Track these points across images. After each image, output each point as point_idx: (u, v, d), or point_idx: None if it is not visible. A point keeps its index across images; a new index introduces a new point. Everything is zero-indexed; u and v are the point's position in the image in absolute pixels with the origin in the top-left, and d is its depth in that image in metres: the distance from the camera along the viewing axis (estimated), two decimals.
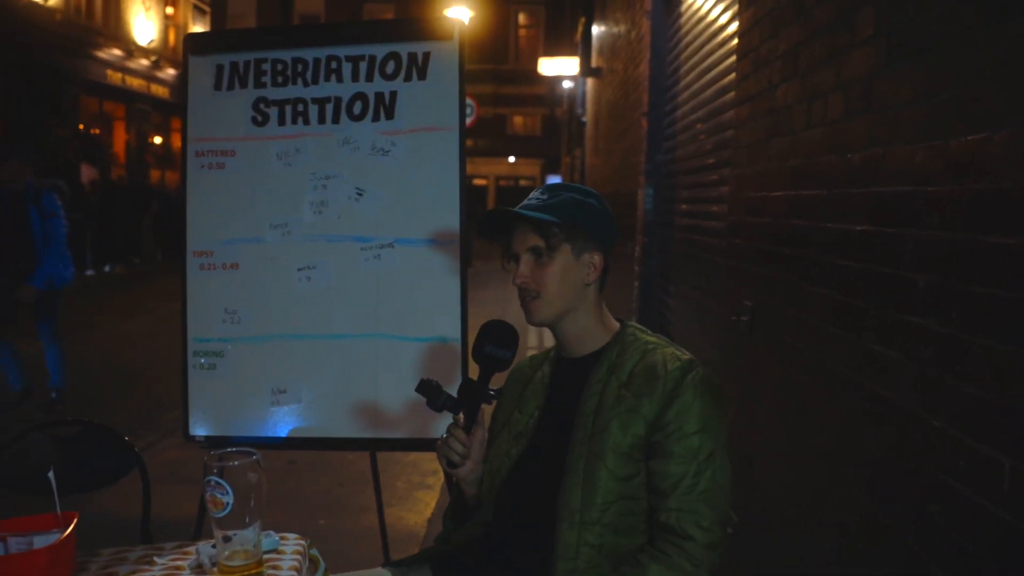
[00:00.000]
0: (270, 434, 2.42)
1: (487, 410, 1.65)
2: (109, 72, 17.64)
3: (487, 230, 1.66)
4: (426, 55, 2.41)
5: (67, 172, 14.29)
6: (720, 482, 1.49)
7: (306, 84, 2.45)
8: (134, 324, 9.45)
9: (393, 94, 2.41)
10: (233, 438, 2.42)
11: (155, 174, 19.79)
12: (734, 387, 3.09)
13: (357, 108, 2.42)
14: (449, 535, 1.76)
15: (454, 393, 1.60)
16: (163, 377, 6.29)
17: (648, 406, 1.50)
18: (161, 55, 19.82)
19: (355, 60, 2.44)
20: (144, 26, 19.07)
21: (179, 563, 1.47)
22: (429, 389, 1.58)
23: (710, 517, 1.46)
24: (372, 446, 2.48)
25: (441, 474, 4.36)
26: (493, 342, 1.61)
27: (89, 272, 13.20)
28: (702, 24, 4.48)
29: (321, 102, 2.44)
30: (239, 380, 2.41)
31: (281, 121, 2.45)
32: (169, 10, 20.70)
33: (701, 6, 4.50)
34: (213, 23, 24.02)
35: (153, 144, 20.22)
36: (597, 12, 10.98)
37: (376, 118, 2.41)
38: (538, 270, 1.57)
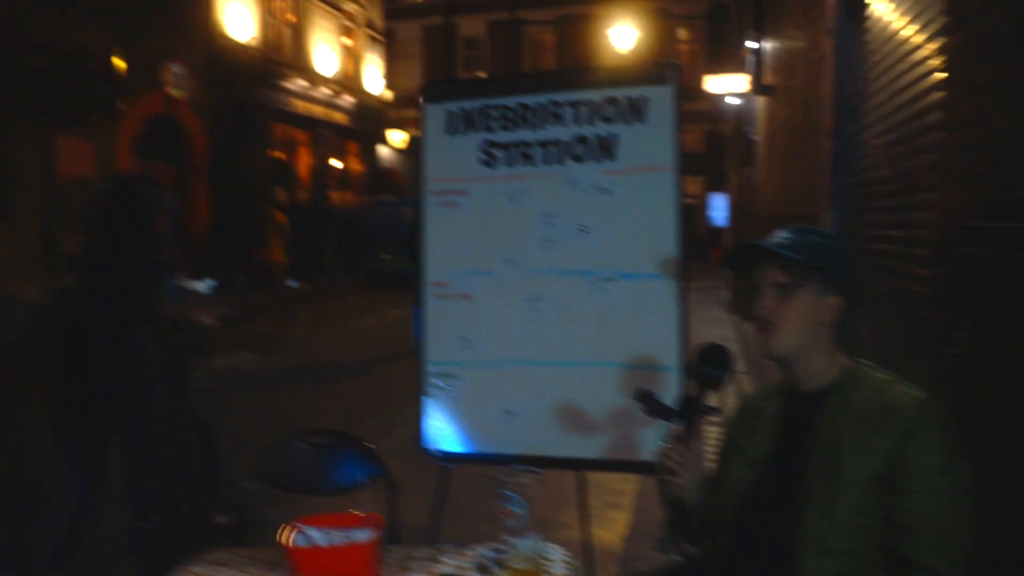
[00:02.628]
0: (497, 451, 2.64)
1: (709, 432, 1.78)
2: (296, 101, 19.09)
3: (733, 262, 1.79)
4: (643, 99, 2.57)
5: (265, 195, 15.61)
6: (963, 519, 1.53)
7: (531, 128, 2.67)
8: (327, 336, 10.11)
9: (613, 136, 2.58)
10: (466, 454, 2.66)
11: (335, 196, 21.15)
12: None
13: (579, 150, 2.61)
14: (670, 542, 1.89)
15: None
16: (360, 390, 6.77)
17: (884, 442, 1.56)
18: (341, 84, 21.21)
19: (576, 105, 2.62)
20: (326, 57, 20.49)
21: (463, 564, 1.68)
22: (644, 395, 1.76)
23: (953, 551, 1.51)
24: (588, 466, 2.64)
25: (631, 494, 4.48)
26: (708, 362, 1.74)
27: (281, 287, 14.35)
28: (893, 43, 4.37)
29: (545, 144, 2.64)
30: (471, 401, 2.65)
31: (508, 163, 2.68)
32: (348, 41, 22.12)
33: (892, 25, 4.39)
34: (387, 53, 25.41)
35: (333, 168, 21.64)
36: (768, 28, 10.78)
37: (597, 159, 2.58)
38: (779, 305, 1.68)
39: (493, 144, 2.71)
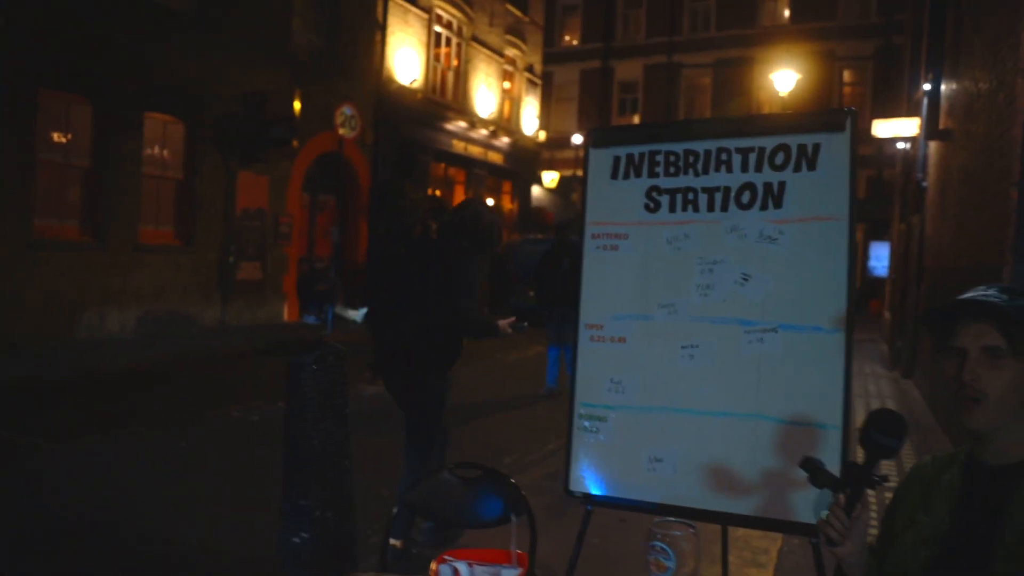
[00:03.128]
0: (642, 499, 2.58)
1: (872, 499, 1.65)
2: (455, 141, 19.83)
3: (936, 317, 1.62)
4: (816, 146, 2.48)
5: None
6: None
7: (696, 174, 2.63)
8: (472, 368, 10.31)
9: (781, 184, 2.50)
10: (610, 498, 2.62)
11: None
12: None
13: (745, 197, 2.54)
14: None
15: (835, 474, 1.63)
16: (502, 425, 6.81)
17: None
18: (498, 125, 21.85)
19: (744, 152, 2.57)
20: (485, 100, 21.20)
21: None
22: (812, 465, 1.64)
23: None
24: (735, 521, 2.53)
25: (773, 552, 4.27)
26: (882, 430, 1.60)
27: None
28: None
29: (710, 191, 2.60)
30: (619, 445, 2.61)
31: (672, 208, 2.65)
32: (506, 84, 22.80)
33: None
34: (543, 95, 25.96)
35: None
36: (947, 69, 10.18)
37: (764, 207, 2.51)
38: (988, 371, 1.52)
39: (657, 189, 2.69)
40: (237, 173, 13.17)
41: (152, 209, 12.06)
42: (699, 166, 2.62)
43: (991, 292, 1.57)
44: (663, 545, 1.48)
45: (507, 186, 23.78)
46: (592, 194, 2.81)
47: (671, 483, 2.55)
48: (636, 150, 2.73)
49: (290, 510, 3.00)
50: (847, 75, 28.31)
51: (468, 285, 3.95)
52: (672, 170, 2.67)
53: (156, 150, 12.12)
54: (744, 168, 2.56)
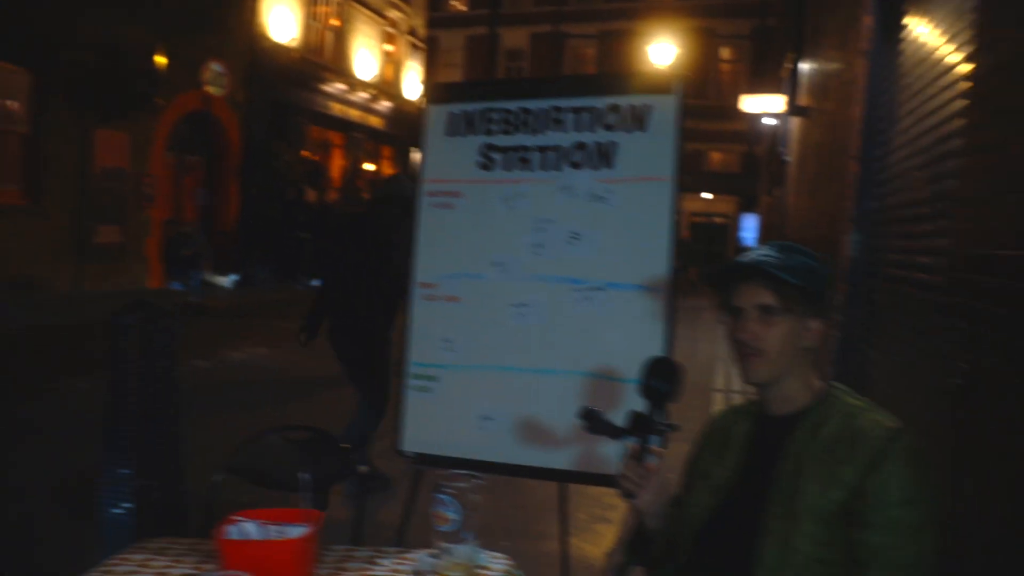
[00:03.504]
0: (472, 457, 2.59)
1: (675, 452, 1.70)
2: (333, 104, 19.28)
3: (716, 279, 1.69)
4: (647, 107, 2.52)
5: (295, 194, 15.77)
6: (924, 557, 1.45)
7: (531, 133, 2.63)
8: None
9: (613, 144, 2.53)
10: (439, 457, 2.61)
11: (366, 198, 21.31)
12: (941, 453, 2.91)
13: (578, 156, 2.56)
14: (626, 566, 1.82)
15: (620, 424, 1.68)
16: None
17: (849, 473, 1.48)
18: (379, 88, 21.39)
19: (578, 111, 2.58)
20: (365, 62, 20.69)
21: (400, 567, 1.64)
22: (589, 414, 1.69)
23: None
24: (564, 477, 2.58)
25: (621, 508, 4.40)
26: (656, 376, 1.65)
27: (300, 287, 14.49)
28: (924, 66, 4.27)
29: (544, 150, 2.60)
30: (449, 404, 2.61)
31: (506, 167, 2.64)
32: (388, 47, 22.32)
33: (925, 47, 4.30)
34: (428, 60, 25.59)
35: (365, 171, 21.80)
36: (807, 49, 10.66)
37: (595, 166, 2.54)
38: (763, 328, 1.58)
39: (492, 147, 2.67)
40: (94, 130, 12.34)
41: None
42: (533, 124, 2.62)
43: (767, 252, 1.63)
44: (446, 497, 1.47)
45: (387, 151, 23.36)
46: (429, 151, 2.77)
47: (500, 441, 2.57)
48: (472, 107, 2.71)
49: (109, 479, 2.84)
50: (725, 52, 29.26)
51: (407, 245, 4.42)
52: (507, 128, 2.65)
53: None
54: (578, 127, 2.58)
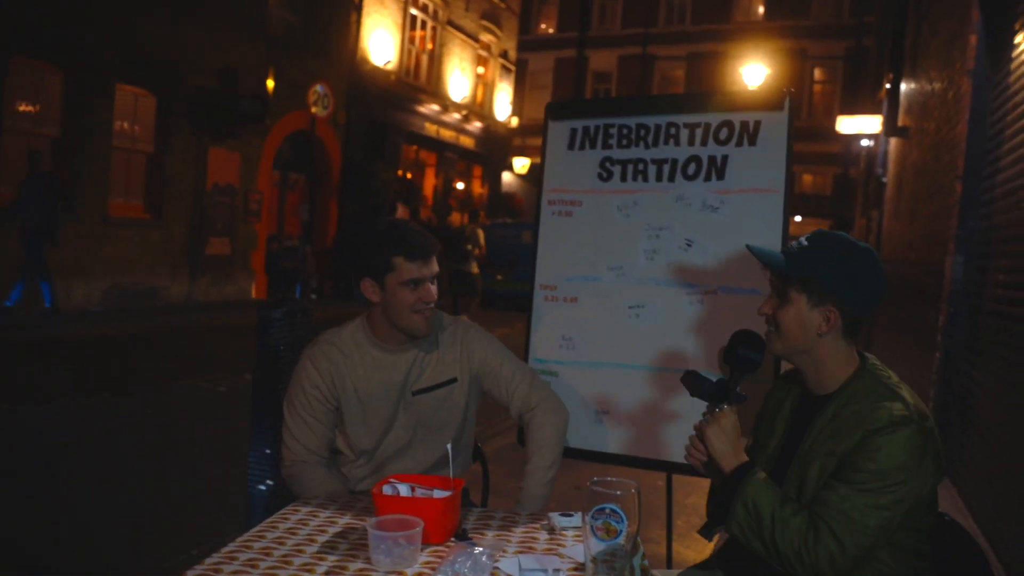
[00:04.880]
0: (589, 448, 2.77)
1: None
2: (427, 124, 19.89)
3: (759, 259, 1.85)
4: (757, 123, 2.67)
5: (388, 211, 16.31)
6: (867, 519, 1.55)
7: (647, 147, 2.81)
8: None
9: (725, 157, 2.69)
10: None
11: (456, 217, 21.81)
12: None
13: (691, 169, 2.73)
14: (715, 525, 1.97)
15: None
16: None
17: (843, 445, 1.62)
18: (470, 110, 21.93)
19: (692, 127, 2.75)
20: (458, 84, 21.26)
21: (535, 527, 1.84)
22: (693, 377, 1.82)
23: (858, 534, 1.55)
24: (674, 469, 2.72)
25: None
26: (745, 346, 1.81)
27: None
28: None
29: (659, 163, 2.78)
30: (569, 398, 2.78)
31: (623, 178, 2.83)
32: (480, 69, 22.87)
33: None
34: (516, 80, 26.07)
35: (456, 189, 22.34)
36: (907, 69, 10.50)
37: (708, 178, 2.70)
38: (775, 308, 1.76)
39: (610, 160, 2.86)
40: (208, 148, 13.15)
41: (122, 182, 12.01)
42: (649, 139, 2.80)
43: (801, 240, 1.80)
44: (614, 507, 1.37)
45: (478, 170, 23.88)
46: (550, 163, 2.98)
47: (617, 434, 2.74)
48: (592, 123, 2.91)
49: (256, 459, 3.14)
50: (818, 73, 28.78)
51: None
52: (624, 142, 2.84)
53: (127, 123, 12.07)
54: (691, 142, 2.74)
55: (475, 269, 12.69)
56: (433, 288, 2.22)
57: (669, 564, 3.07)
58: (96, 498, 4.42)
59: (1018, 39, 4.80)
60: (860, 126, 13.57)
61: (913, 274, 7.49)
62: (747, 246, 1.85)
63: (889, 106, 10.89)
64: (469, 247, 12.48)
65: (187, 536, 3.92)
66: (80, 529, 4.00)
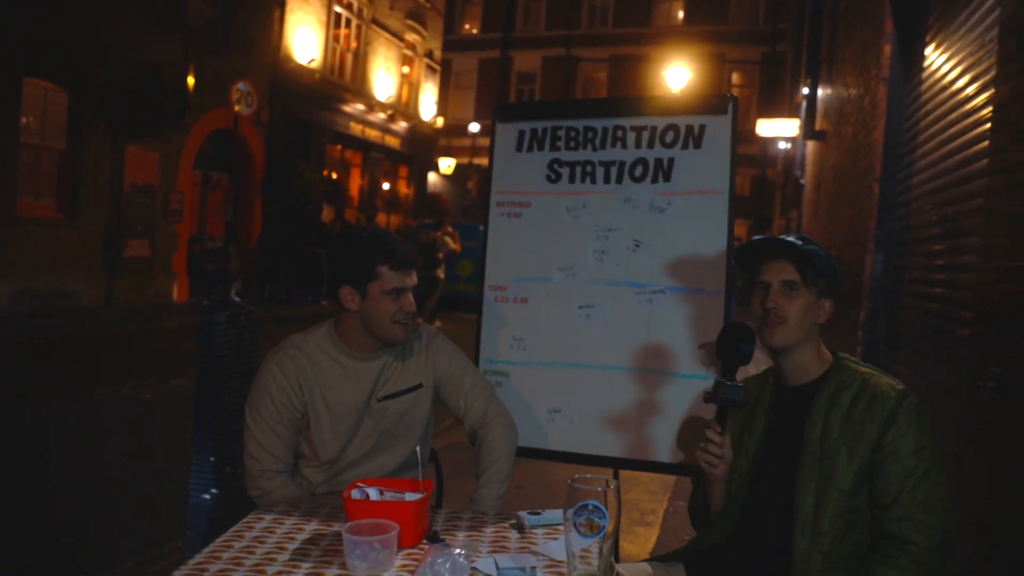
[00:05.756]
0: (541, 446, 2.80)
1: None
2: (352, 124, 19.64)
3: (746, 258, 1.95)
4: (702, 127, 2.74)
5: (313, 211, 16.05)
6: (937, 494, 1.71)
7: (594, 149, 2.85)
8: None
9: (671, 160, 2.75)
10: None
11: (382, 217, 21.59)
12: (976, 456, 3.10)
13: (638, 171, 2.78)
14: (699, 538, 2.04)
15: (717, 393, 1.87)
16: None
17: (870, 429, 1.75)
18: (396, 109, 21.76)
19: (638, 129, 2.80)
20: (384, 83, 21.07)
21: (504, 526, 1.86)
22: (725, 389, 1.84)
23: (929, 523, 1.68)
24: (625, 465, 2.76)
25: (660, 512, 4.59)
26: (744, 339, 1.89)
27: (324, 302, 14.70)
28: (946, 93, 4.50)
29: (607, 165, 2.82)
30: (519, 398, 2.81)
31: (571, 179, 2.86)
32: (406, 69, 22.72)
33: (945, 75, 4.53)
34: (441, 80, 25.99)
35: (382, 189, 22.13)
36: (823, 74, 10.92)
37: (655, 180, 2.76)
38: (786, 299, 1.85)
39: (558, 162, 2.90)
40: (125, 147, 12.67)
41: (31, 180, 11.45)
42: (597, 141, 2.84)
43: (790, 238, 1.91)
44: (597, 504, 1.37)
45: (404, 171, 23.72)
46: (498, 165, 2.99)
47: (568, 432, 2.77)
48: (540, 125, 2.93)
49: (199, 467, 3.05)
50: (735, 77, 29.64)
51: None
52: (572, 144, 2.88)
53: (36, 118, 11.52)
54: (638, 144, 2.80)
55: (441, 274, 13.27)
56: (411, 298, 2.21)
57: (616, 559, 3.13)
58: (19, 515, 4.21)
59: (928, 50, 5.06)
60: (778, 129, 14.05)
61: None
62: (771, 239, 1.92)
63: (807, 110, 11.31)
64: (440, 255, 13.10)
65: (120, 548, 3.78)
66: (8, 546, 3.81)
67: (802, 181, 11.88)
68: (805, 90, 11.56)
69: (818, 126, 10.73)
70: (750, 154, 22.94)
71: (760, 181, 24.81)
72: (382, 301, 2.15)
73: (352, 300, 2.18)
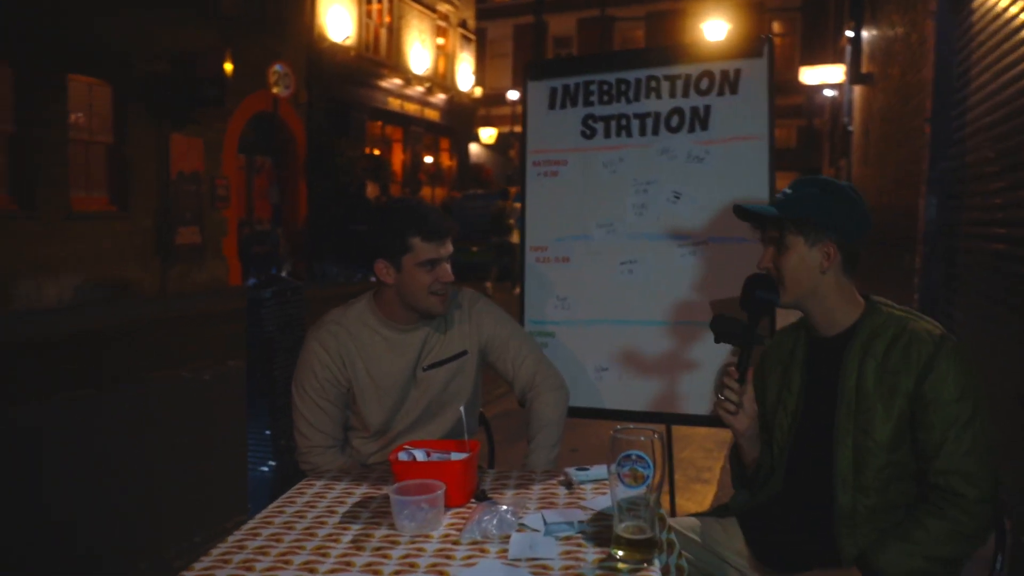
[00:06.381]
0: (591, 405, 2.79)
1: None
2: (390, 99, 19.66)
3: (746, 218, 1.88)
4: (737, 71, 2.66)
5: (356, 188, 16.17)
6: (983, 441, 1.61)
7: (628, 101, 2.79)
8: None
9: (707, 107, 2.68)
10: None
11: (427, 191, 21.66)
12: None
13: (674, 121, 2.72)
14: (744, 498, 2.00)
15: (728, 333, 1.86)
16: None
17: (905, 381, 1.65)
18: (433, 82, 21.70)
19: (672, 79, 2.74)
20: (419, 56, 21.01)
21: (552, 483, 1.86)
22: (723, 321, 1.89)
23: (978, 473, 1.60)
24: (677, 420, 2.74)
25: (716, 469, 4.56)
26: (763, 288, 1.83)
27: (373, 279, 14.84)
28: (999, 21, 4.30)
29: (642, 117, 2.77)
30: (566, 358, 2.80)
31: (607, 134, 2.81)
32: (440, 40, 22.61)
33: (998, 2, 4.32)
34: (476, 50, 25.82)
35: (424, 163, 22.17)
36: (867, 16, 10.54)
37: (691, 129, 2.69)
38: (777, 258, 1.78)
39: (592, 117, 2.85)
40: (170, 136, 12.89)
41: (82, 175, 11.75)
42: (630, 94, 2.79)
43: (784, 190, 1.84)
44: (640, 453, 1.36)
45: (445, 143, 23.71)
46: (532, 124, 2.95)
47: (617, 390, 2.76)
48: (571, 81, 2.88)
49: (255, 441, 3.12)
50: (776, 26, 28.80)
51: None
52: (606, 98, 2.82)
53: (83, 114, 11.78)
54: (672, 94, 2.73)
55: (516, 239, 13.43)
56: (448, 268, 2.17)
57: (672, 515, 3.11)
58: (89, 494, 4.37)
59: None
60: (823, 76, 13.64)
61: (886, 219, 7.58)
62: (735, 207, 1.87)
63: (852, 54, 10.95)
64: (511, 222, 13.37)
65: (187, 524, 3.90)
66: (75, 527, 3.96)
67: (850, 128, 11.53)
68: (849, 33, 11.17)
69: (864, 69, 10.38)
70: (795, 104, 22.36)
71: (807, 131, 24.20)
72: (417, 273, 2.12)
73: (387, 273, 2.16)
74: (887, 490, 1.67)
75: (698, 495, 4.19)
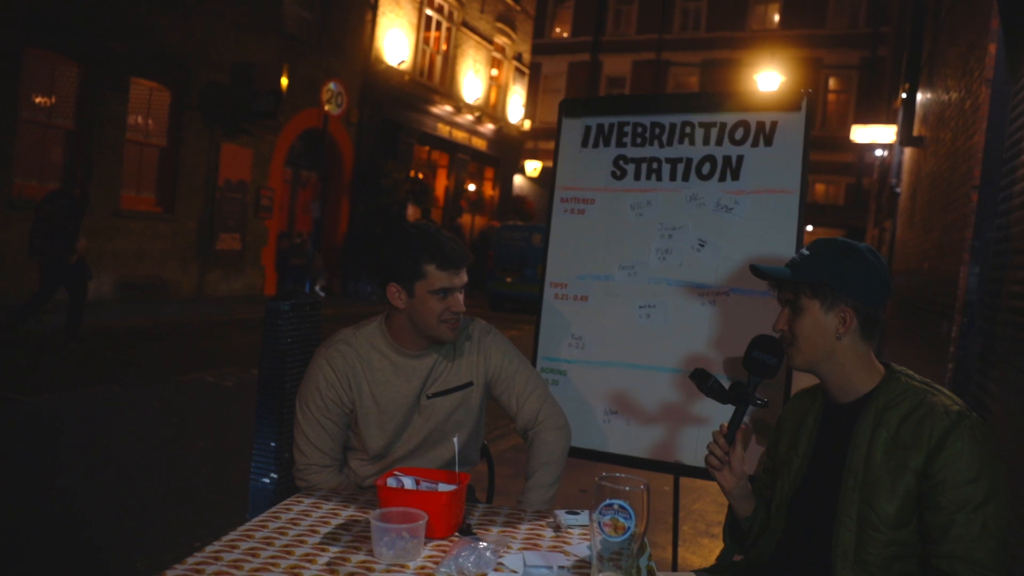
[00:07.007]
0: (597, 448, 2.74)
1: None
2: (440, 125, 19.90)
3: (763, 278, 1.84)
4: (773, 123, 2.64)
5: (397, 210, 16.33)
6: (994, 527, 1.52)
7: (661, 145, 2.78)
8: None
9: (740, 158, 2.66)
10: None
11: (467, 218, 21.80)
12: None
13: (705, 169, 2.70)
14: (732, 553, 1.94)
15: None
16: None
17: (915, 457, 1.57)
18: (483, 112, 21.93)
19: (707, 126, 2.72)
20: (472, 85, 21.27)
21: (540, 524, 1.81)
22: (701, 374, 1.85)
23: (985, 561, 1.50)
24: (685, 472, 2.68)
25: None
26: (760, 349, 1.80)
27: None
28: None
29: (673, 162, 2.75)
30: (576, 398, 2.76)
31: (636, 176, 2.80)
32: (494, 72, 22.88)
33: None
34: (530, 83, 26.07)
35: (467, 191, 22.34)
36: (923, 79, 10.43)
37: (722, 178, 2.67)
38: (792, 320, 1.73)
39: (624, 158, 2.84)
40: (221, 144, 13.18)
41: (134, 175, 12.05)
42: (664, 138, 2.77)
43: (800, 251, 1.79)
44: (623, 503, 1.33)
45: (489, 172, 23.88)
46: (563, 161, 2.95)
47: (625, 435, 2.71)
48: (606, 120, 2.88)
49: (260, 452, 3.11)
50: (832, 83, 28.67)
51: None
52: (639, 140, 2.81)
53: (141, 116, 12.11)
54: (706, 141, 2.72)
55: None
56: (461, 298, 2.15)
57: (674, 568, 3.04)
58: (98, 488, 4.41)
59: None
60: (874, 135, 13.49)
61: (926, 285, 7.42)
62: (751, 266, 1.84)
63: (904, 115, 10.83)
64: None
65: (188, 528, 3.91)
66: (80, 519, 3.99)
67: (897, 190, 11.37)
68: (904, 95, 11.06)
69: (916, 132, 10.25)
70: (846, 162, 22.17)
71: (855, 189, 23.93)
72: (429, 300, 2.10)
73: (399, 298, 2.14)
74: (889, 569, 1.59)
75: (704, 549, 4.09)
